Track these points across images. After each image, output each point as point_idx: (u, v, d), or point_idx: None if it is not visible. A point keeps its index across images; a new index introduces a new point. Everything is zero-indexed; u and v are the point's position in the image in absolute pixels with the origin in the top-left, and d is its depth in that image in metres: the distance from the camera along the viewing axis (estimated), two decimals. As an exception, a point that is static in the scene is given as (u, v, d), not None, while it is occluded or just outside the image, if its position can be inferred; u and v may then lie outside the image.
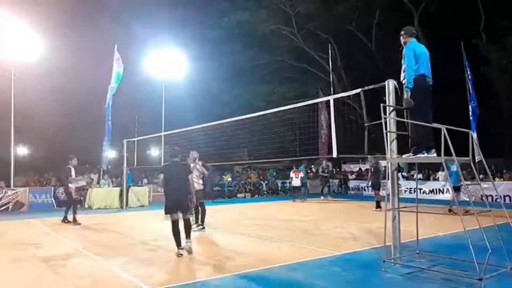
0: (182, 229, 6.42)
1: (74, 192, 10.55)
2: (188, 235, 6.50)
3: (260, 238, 7.94)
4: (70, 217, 10.33)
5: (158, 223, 10.57)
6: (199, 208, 8.91)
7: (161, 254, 6.38)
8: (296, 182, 17.46)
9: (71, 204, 10.48)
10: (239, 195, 20.53)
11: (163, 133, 15.65)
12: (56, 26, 20.67)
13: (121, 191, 14.87)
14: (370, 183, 13.95)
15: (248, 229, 9.17)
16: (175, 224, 6.38)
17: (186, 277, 4.98)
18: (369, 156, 12.64)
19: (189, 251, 6.28)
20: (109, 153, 15.82)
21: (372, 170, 13.06)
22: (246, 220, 10.90)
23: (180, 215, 6.51)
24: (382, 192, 12.88)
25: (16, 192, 13.94)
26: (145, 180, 19.99)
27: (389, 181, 5.69)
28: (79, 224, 10.12)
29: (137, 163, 15.81)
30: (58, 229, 9.47)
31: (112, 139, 16.29)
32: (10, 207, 13.64)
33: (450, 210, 11.03)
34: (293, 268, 5.43)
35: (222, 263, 5.77)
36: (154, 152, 28.44)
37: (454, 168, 9.84)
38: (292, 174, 17.76)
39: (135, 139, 15.88)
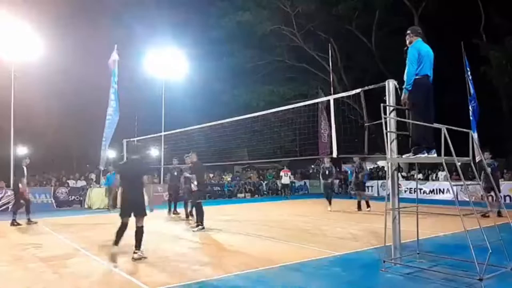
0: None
1: (26, 193, 10.31)
2: (138, 246, 5.92)
3: (260, 238, 7.94)
4: (33, 218, 10.21)
5: (157, 224, 10.57)
6: (197, 208, 8.96)
7: (160, 254, 6.37)
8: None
9: (28, 204, 10.35)
10: (239, 195, 20.54)
11: (163, 133, 15.65)
12: (57, 26, 20.68)
13: (107, 191, 14.79)
14: (352, 184, 13.88)
15: (248, 229, 9.16)
16: (124, 226, 5.88)
17: (186, 277, 4.97)
18: (353, 157, 12.63)
19: (140, 259, 5.81)
20: (109, 153, 15.78)
21: (357, 170, 12.94)
22: (246, 220, 10.89)
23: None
24: (361, 193, 12.91)
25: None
26: (145, 180, 19.96)
27: (389, 181, 5.68)
28: (20, 225, 9.94)
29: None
30: (58, 229, 9.46)
31: (112, 139, 16.27)
32: (10, 207, 13.61)
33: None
34: (293, 268, 5.42)
35: (222, 263, 5.76)
36: (154, 152, 28.43)
37: None
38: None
39: (135, 139, 15.86)
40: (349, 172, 18.51)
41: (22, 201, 10.36)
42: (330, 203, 13.15)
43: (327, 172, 13.28)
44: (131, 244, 5.95)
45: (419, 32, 5.70)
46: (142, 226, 5.95)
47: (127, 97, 19.48)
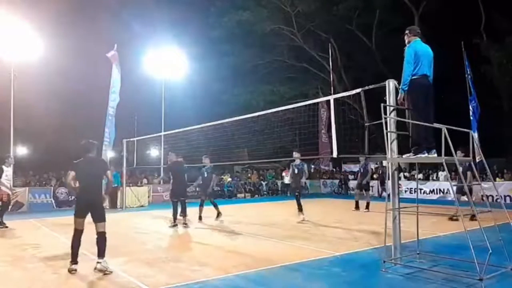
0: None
1: (6, 194, 9.95)
2: (101, 254, 5.29)
3: (260, 238, 7.93)
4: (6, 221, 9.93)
5: (157, 223, 10.57)
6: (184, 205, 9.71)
7: (160, 255, 6.37)
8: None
9: (6, 206, 10.09)
10: (239, 195, 20.52)
11: (162, 133, 15.66)
12: (56, 26, 20.69)
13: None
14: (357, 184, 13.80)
15: (248, 229, 9.16)
16: (78, 233, 5.36)
17: (186, 277, 4.96)
18: (359, 157, 12.55)
19: (104, 271, 5.17)
20: (109, 153, 15.77)
21: (362, 170, 12.92)
22: (246, 220, 10.87)
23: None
24: (365, 193, 12.86)
25: (16, 192, 13.90)
26: (144, 180, 19.97)
27: (389, 181, 5.67)
28: (6, 227, 9.72)
29: (137, 163, 15.80)
30: (57, 229, 9.45)
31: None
32: (10, 207, 13.59)
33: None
34: (293, 268, 5.42)
35: (222, 263, 5.75)
36: (154, 152, 28.50)
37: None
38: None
39: (135, 139, 15.86)
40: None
41: (2, 202, 9.96)
42: (300, 209, 10.49)
43: (296, 171, 10.57)
44: (127, 245, 5.91)
45: (418, 32, 5.69)
46: (104, 232, 5.38)
47: (126, 97, 19.48)
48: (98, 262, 5.23)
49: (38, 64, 17.11)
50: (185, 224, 9.52)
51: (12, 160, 10.43)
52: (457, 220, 9.45)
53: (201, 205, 10.60)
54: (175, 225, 9.54)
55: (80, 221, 5.39)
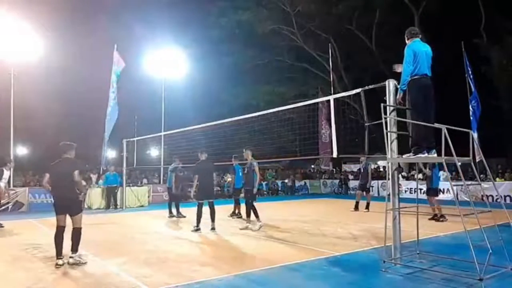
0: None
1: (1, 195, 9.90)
2: (74, 249, 5.65)
3: (260, 238, 7.93)
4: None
5: (157, 223, 10.57)
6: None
7: (160, 254, 6.36)
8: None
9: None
10: (239, 195, 20.49)
11: (162, 133, 15.67)
12: (57, 26, 20.70)
13: (104, 191, 14.79)
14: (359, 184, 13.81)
15: (248, 229, 9.14)
16: (60, 229, 5.68)
17: (186, 277, 4.96)
18: (360, 157, 12.57)
19: (77, 263, 5.58)
20: (109, 153, 15.79)
21: (362, 171, 13.00)
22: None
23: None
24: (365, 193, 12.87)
25: (16, 192, 13.91)
26: (144, 180, 19.98)
27: (389, 181, 5.67)
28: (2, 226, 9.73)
29: (137, 163, 15.80)
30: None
31: (112, 139, 16.27)
32: (10, 207, 13.61)
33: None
34: (293, 268, 5.42)
35: (222, 263, 5.75)
36: (154, 152, 28.49)
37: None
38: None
39: (135, 139, 15.86)
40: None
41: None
42: (255, 215, 9.30)
43: (245, 170, 9.67)
44: (127, 245, 5.91)
45: (414, 33, 5.68)
46: (79, 228, 5.72)
47: (126, 97, 19.52)
48: (70, 257, 5.60)
49: (38, 64, 17.10)
50: (213, 228, 8.80)
51: (12, 164, 10.48)
52: (437, 220, 9.71)
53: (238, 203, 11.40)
54: (198, 229, 8.68)
55: (60, 217, 5.73)
